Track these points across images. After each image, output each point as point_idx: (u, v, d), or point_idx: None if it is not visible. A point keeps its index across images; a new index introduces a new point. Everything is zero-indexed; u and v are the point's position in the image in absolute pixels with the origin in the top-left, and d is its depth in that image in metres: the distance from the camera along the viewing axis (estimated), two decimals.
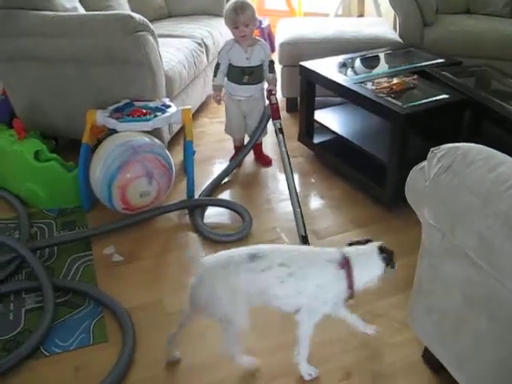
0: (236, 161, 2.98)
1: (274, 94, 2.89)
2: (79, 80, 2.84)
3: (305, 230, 2.39)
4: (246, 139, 3.11)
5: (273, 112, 2.85)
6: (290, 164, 2.65)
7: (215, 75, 2.92)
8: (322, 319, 2.01)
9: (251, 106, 2.97)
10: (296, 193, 2.54)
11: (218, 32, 3.85)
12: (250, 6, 2.76)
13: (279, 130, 2.78)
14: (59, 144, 3.11)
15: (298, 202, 2.51)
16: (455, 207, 1.32)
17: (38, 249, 2.36)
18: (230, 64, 2.87)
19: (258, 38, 2.95)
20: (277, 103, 2.87)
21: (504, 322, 1.29)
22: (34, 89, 2.93)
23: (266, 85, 2.97)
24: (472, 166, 1.32)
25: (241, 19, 2.72)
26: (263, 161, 3.17)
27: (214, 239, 2.46)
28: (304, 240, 2.35)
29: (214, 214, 2.68)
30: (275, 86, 2.96)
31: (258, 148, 3.15)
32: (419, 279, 1.65)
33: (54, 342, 1.92)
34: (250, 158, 3.16)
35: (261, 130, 2.99)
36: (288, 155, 2.69)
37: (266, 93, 2.93)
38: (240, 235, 2.47)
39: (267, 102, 2.91)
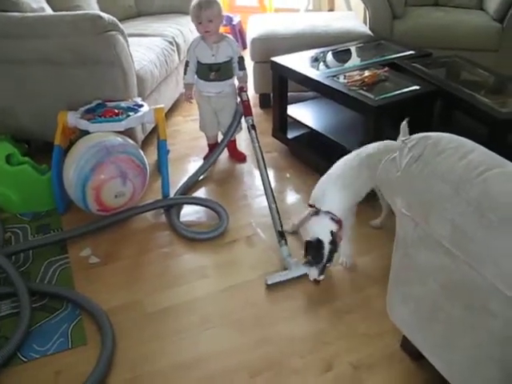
0: (210, 159, 2.97)
1: (245, 91, 2.89)
2: (49, 82, 2.81)
3: (281, 225, 2.39)
4: (220, 136, 3.10)
5: (244, 109, 2.86)
6: (263, 160, 2.66)
7: (185, 73, 2.92)
8: (304, 312, 2.04)
9: (222, 103, 2.95)
10: (271, 188, 2.55)
11: (188, 30, 3.84)
12: (216, 2, 2.74)
13: (251, 127, 2.79)
14: (31, 147, 3.07)
15: (274, 197, 2.52)
16: (427, 196, 1.33)
17: (13, 254, 2.33)
18: (197, 61, 2.85)
19: (226, 34, 2.93)
20: (248, 100, 2.88)
21: (478, 308, 1.30)
22: (4, 91, 2.88)
23: (236, 81, 2.97)
24: (443, 155, 1.33)
25: (204, 14, 2.70)
26: (237, 157, 3.17)
27: (190, 237, 2.46)
28: (281, 235, 2.36)
29: (190, 213, 2.67)
30: (246, 82, 2.95)
31: (232, 145, 3.15)
32: (395, 269, 1.67)
33: (32, 348, 1.90)
34: (224, 154, 3.15)
35: (234, 127, 2.98)
36: (261, 151, 2.70)
37: (237, 90, 2.93)
38: (216, 232, 2.46)
39: (239, 99, 2.90)
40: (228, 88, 2.93)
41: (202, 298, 2.12)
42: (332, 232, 2.08)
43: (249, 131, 2.80)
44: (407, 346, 1.82)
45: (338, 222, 2.11)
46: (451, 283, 1.39)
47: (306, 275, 2.17)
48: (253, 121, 2.81)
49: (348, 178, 2.18)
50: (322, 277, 2.11)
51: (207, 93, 2.92)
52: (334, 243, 2.08)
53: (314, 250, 2.07)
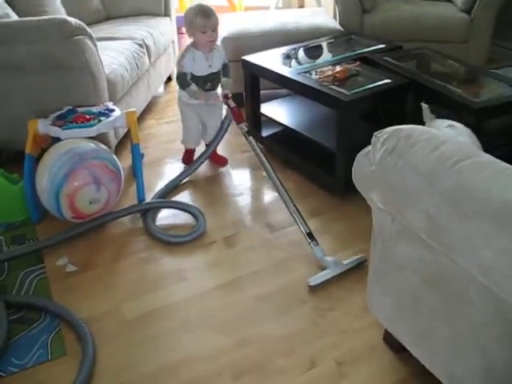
0: (194, 165, 2.92)
1: (231, 98, 2.80)
2: (18, 89, 2.76)
3: (307, 226, 2.33)
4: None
5: (235, 116, 2.76)
6: (270, 164, 2.59)
7: (188, 85, 2.76)
8: (285, 311, 2.03)
9: (210, 112, 2.90)
10: (287, 192, 2.46)
11: (158, 32, 3.81)
12: (214, 11, 2.70)
13: (247, 133, 2.68)
14: (2, 156, 3.02)
15: (291, 200, 2.42)
16: (402, 189, 1.33)
17: None
18: (190, 73, 2.77)
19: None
20: (236, 106, 2.79)
21: (456, 297, 1.31)
22: None
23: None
24: (416, 147, 1.33)
25: (210, 23, 2.65)
26: (219, 162, 3.10)
27: (166, 241, 2.44)
28: (310, 236, 2.29)
29: (167, 216, 2.64)
30: (229, 89, 2.85)
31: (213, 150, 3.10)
32: (374, 263, 1.67)
33: (11, 362, 1.86)
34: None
35: (221, 135, 2.93)
36: (265, 156, 2.63)
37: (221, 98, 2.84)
38: (193, 235, 2.45)
39: (225, 107, 2.85)
40: (215, 96, 2.86)
41: (181, 302, 2.10)
42: None
43: (246, 138, 2.69)
44: (389, 340, 1.82)
45: None
46: (430, 275, 1.39)
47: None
48: (247, 126, 2.71)
49: None
50: None
51: (198, 102, 2.84)
52: None
53: None
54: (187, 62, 2.75)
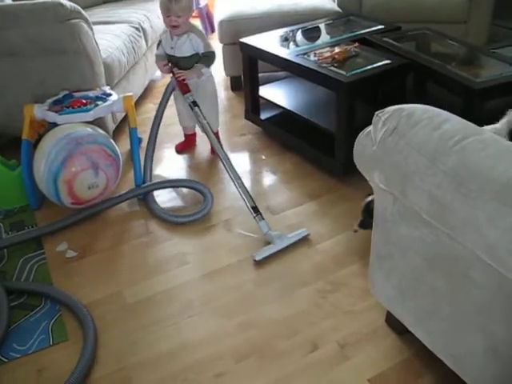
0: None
1: (180, 74, 2.72)
2: (14, 74, 2.73)
3: (253, 201, 2.37)
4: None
5: (180, 86, 2.73)
6: (217, 137, 2.64)
7: (157, 48, 2.84)
8: (287, 293, 2.03)
9: (195, 93, 2.76)
10: (232, 165, 2.51)
11: (155, 15, 3.75)
12: None
13: (193, 104, 2.67)
14: (0, 143, 3.00)
15: (237, 174, 2.48)
16: (404, 169, 1.32)
17: None
18: None
19: (194, 29, 2.74)
20: (183, 79, 2.72)
21: (460, 278, 1.30)
22: None
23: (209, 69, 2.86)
24: (417, 126, 1.32)
25: (174, 8, 2.58)
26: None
27: (179, 222, 2.44)
28: (255, 210, 2.33)
29: (165, 200, 2.64)
30: (193, 74, 2.74)
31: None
32: (376, 244, 1.66)
33: (12, 347, 1.86)
34: (200, 143, 3.12)
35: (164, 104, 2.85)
36: (211, 128, 2.66)
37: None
38: (203, 213, 2.45)
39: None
40: (202, 77, 2.80)
41: (182, 286, 2.10)
42: None
43: (191, 108, 2.68)
44: (392, 321, 1.82)
45: None
46: (432, 255, 1.38)
47: (290, 246, 2.22)
48: (193, 96, 2.69)
49: None
50: None
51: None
52: None
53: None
54: (162, 33, 2.83)
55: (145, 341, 1.86)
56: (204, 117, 2.66)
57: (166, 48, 2.76)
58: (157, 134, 2.80)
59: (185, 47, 2.71)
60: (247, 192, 2.41)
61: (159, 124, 2.82)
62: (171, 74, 2.78)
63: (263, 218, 2.31)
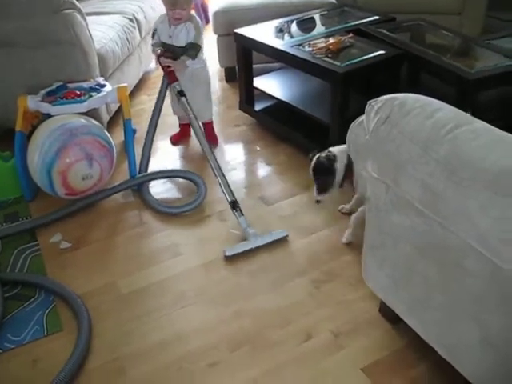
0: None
1: (167, 62, 2.70)
2: (8, 65, 2.73)
3: (233, 195, 2.37)
4: None
5: (167, 76, 2.71)
6: (201, 128, 2.62)
7: (153, 38, 2.82)
8: (281, 284, 2.03)
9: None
10: (215, 158, 2.50)
11: (148, 6, 3.75)
12: None
13: (179, 93, 2.65)
14: None
15: (220, 167, 2.47)
16: (397, 157, 1.32)
17: None
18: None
19: (192, 18, 2.74)
20: (170, 67, 2.70)
21: (452, 267, 1.30)
22: None
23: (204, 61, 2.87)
24: (410, 115, 1.32)
25: (180, 2, 2.59)
26: (212, 140, 3.03)
27: (173, 213, 2.45)
28: (233, 206, 2.33)
29: (159, 192, 2.64)
30: (179, 65, 2.72)
31: (209, 126, 3.05)
32: (369, 234, 1.66)
33: (7, 338, 1.86)
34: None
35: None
36: (196, 118, 2.64)
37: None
38: (196, 203, 2.45)
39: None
40: (193, 66, 2.78)
41: (176, 276, 2.10)
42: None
43: (178, 99, 2.67)
44: (385, 311, 1.82)
45: None
46: (425, 244, 1.39)
47: (264, 246, 2.21)
48: (180, 86, 2.67)
49: None
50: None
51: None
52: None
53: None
54: (158, 21, 2.81)
55: (139, 331, 1.86)
56: (191, 107, 2.64)
57: (163, 36, 2.75)
58: (156, 124, 2.79)
59: (181, 35, 2.72)
60: (228, 186, 2.41)
61: (159, 115, 2.80)
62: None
63: (242, 214, 2.31)
